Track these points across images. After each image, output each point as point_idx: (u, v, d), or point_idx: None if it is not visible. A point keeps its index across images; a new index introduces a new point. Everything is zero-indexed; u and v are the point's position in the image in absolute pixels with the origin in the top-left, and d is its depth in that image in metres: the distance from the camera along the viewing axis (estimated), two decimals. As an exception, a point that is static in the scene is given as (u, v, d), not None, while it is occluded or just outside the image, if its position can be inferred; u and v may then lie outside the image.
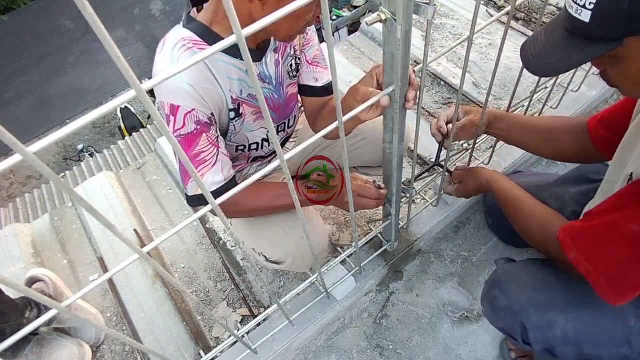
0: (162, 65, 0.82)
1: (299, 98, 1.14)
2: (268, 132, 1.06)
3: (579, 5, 0.60)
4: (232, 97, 0.91)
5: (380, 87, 0.81)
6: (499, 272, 0.99)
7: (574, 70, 1.51)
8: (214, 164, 0.88)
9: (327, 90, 1.09)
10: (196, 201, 0.92)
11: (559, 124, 1.07)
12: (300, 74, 1.07)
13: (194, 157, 0.86)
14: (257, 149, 1.09)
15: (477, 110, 1.13)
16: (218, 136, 0.89)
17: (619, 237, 0.69)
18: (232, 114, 0.94)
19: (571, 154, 1.06)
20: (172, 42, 0.83)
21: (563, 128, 1.06)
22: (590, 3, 0.58)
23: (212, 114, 0.87)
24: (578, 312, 0.83)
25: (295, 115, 1.14)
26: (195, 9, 0.88)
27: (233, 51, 0.85)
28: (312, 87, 1.08)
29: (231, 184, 0.92)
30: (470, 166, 1.23)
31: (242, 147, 1.06)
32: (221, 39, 0.83)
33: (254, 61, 0.92)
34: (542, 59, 0.68)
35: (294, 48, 1.01)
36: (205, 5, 0.87)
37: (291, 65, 1.02)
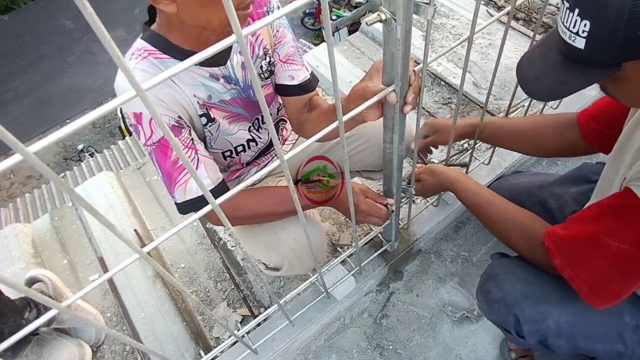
0: (120, 77, 0.82)
1: (280, 100, 1.10)
2: (249, 132, 1.04)
3: (572, 32, 0.58)
4: (198, 102, 0.89)
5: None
6: (493, 265, 0.99)
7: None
8: (196, 168, 0.86)
9: (304, 88, 1.03)
10: (187, 207, 0.88)
11: (543, 124, 1.07)
12: (276, 73, 1.02)
13: (173, 164, 0.84)
14: (244, 151, 1.07)
15: (443, 131, 1.15)
16: (193, 139, 0.87)
17: (599, 250, 0.71)
18: (204, 120, 0.92)
19: (560, 150, 1.07)
20: (129, 54, 0.83)
21: (548, 127, 1.06)
22: (583, 31, 0.56)
23: (180, 117, 0.85)
24: (571, 305, 0.83)
25: (270, 114, 1.11)
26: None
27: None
28: (289, 85, 1.02)
29: (222, 187, 0.90)
30: (438, 164, 1.19)
31: (228, 153, 1.04)
32: (174, 46, 0.83)
33: (217, 65, 0.89)
34: (540, 82, 0.66)
35: (264, 49, 0.97)
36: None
37: (261, 67, 0.98)
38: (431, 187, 1.12)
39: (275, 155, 1.23)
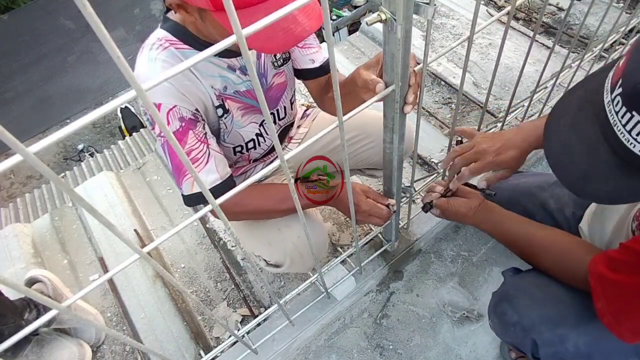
0: (140, 66, 0.83)
1: (293, 90, 1.12)
2: (260, 126, 1.05)
3: (631, 136, 0.49)
4: (215, 93, 0.91)
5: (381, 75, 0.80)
6: (507, 285, 0.95)
7: (574, 70, 1.51)
8: (207, 162, 0.87)
9: (325, 69, 1.07)
10: (193, 200, 0.90)
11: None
12: (294, 59, 1.05)
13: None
14: (254, 147, 1.08)
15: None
16: (207, 133, 0.88)
17: None
18: (220, 111, 0.94)
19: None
20: (150, 43, 0.84)
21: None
22: None
23: (197, 109, 0.86)
24: (589, 325, 0.80)
25: (285, 107, 1.11)
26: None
27: None
28: (311, 69, 1.06)
29: (229, 182, 0.91)
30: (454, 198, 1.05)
31: (239, 148, 1.05)
32: (194, 36, 0.84)
33: (234, 56, 0.91)
34: (591, 181, 0.58)
35: None
36: None
37: (275, 55, 1.00)
38: (452, 219, 1.06)
39: (283, 152, 1.23)
